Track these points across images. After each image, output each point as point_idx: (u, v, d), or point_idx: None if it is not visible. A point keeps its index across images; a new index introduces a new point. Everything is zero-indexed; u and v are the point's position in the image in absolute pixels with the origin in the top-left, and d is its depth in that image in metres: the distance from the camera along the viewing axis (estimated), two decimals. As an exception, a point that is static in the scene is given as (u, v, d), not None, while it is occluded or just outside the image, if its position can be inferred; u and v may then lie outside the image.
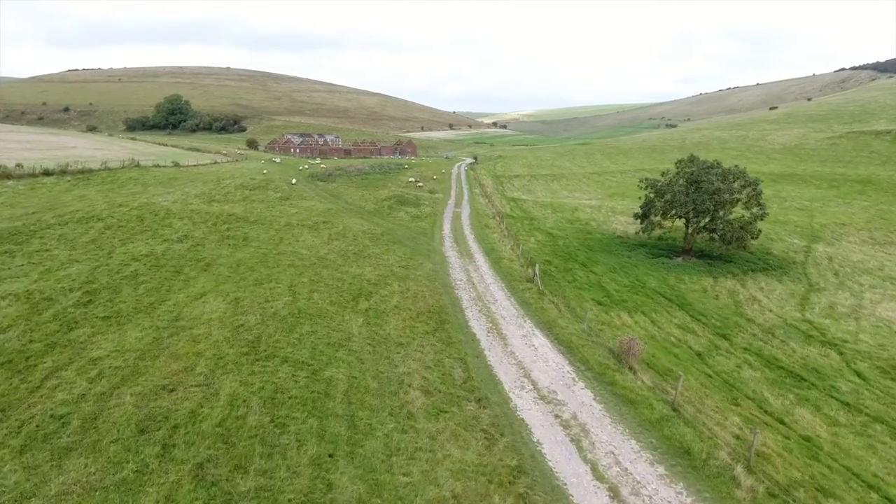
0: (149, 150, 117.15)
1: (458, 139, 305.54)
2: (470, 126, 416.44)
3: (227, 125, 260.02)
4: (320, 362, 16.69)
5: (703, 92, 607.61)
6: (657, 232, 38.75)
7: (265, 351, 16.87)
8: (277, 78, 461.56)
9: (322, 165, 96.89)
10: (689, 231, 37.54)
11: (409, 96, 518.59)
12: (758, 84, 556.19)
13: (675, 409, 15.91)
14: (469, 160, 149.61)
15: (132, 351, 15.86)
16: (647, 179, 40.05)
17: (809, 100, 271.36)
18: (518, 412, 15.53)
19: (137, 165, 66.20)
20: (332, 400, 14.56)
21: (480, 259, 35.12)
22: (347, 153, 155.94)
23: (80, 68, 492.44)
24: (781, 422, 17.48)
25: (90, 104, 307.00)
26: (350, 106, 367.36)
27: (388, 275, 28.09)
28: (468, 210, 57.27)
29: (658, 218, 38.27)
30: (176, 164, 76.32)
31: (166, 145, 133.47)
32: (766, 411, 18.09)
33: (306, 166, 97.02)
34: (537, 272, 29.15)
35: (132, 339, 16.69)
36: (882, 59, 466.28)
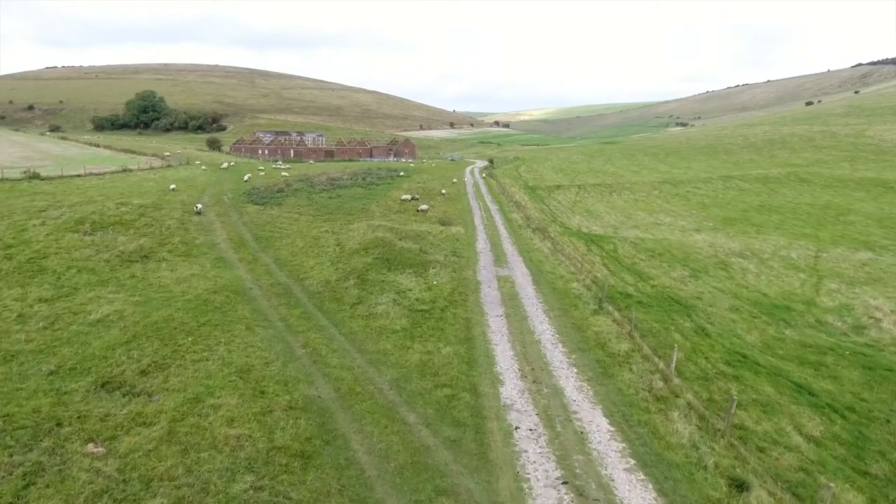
0: (62, 152, 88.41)
1: (460, 139, 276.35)
2: (472, 125, 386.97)
3: (204, 124, 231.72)
4: None
5: (711, 90, 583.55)
6: None
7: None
8: (266, 74, 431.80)
9: (283, 173, 68.32)
10: None
11: (407, 95, 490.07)
12: (769, 81, 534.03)
13: None
14: (481, 163, 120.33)
15: None
16: None
17: (857, 92, 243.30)
18: None
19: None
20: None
21: None
22: (329, 155, 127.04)
23: (60, 66, 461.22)
24: None
25: (60, 102, 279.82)
26: (343, 104, 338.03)
27: None
28: (524, 273, 27.80)
29: None
30: (34, 176, 48.02)
31: (98, 146, 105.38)
32: None
33: (261, 172, 68.39)
34: None
35: None
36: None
